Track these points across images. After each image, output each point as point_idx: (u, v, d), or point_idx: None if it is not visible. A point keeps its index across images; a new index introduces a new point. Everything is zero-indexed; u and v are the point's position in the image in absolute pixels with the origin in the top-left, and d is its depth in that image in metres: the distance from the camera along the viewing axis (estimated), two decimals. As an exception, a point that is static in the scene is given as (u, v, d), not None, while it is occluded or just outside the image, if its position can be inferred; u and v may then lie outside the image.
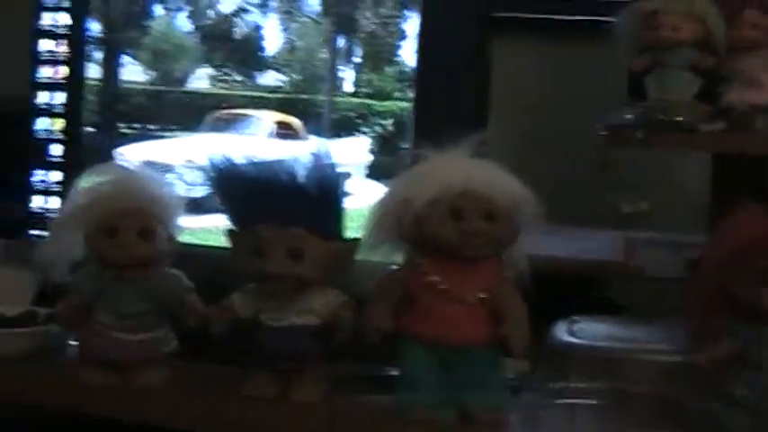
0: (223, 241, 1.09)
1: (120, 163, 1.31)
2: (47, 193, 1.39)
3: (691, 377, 1.02)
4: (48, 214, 1.36)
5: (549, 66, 1.62)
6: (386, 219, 1.04)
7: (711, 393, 1.00)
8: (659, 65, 1.26)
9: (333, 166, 1.07)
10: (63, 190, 1.32)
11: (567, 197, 1.47)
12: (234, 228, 1.09)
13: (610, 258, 1.33)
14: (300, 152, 1.07)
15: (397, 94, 1.22)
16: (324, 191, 1.06)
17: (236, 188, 1.08)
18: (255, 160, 1.09)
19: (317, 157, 1.06)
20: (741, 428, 0.96)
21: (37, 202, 1.39)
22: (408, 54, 1.21)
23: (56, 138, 1.38)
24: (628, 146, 1.28)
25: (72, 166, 1.30)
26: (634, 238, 1.32)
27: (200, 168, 1.12)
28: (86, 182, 1.15)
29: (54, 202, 1.38)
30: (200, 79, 1.33)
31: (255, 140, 1.27)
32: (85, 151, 1.36)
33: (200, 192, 1.19)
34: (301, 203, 1.06)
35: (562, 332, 1.05)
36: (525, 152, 1.57)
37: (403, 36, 1.22)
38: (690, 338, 1.06)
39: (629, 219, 1.32)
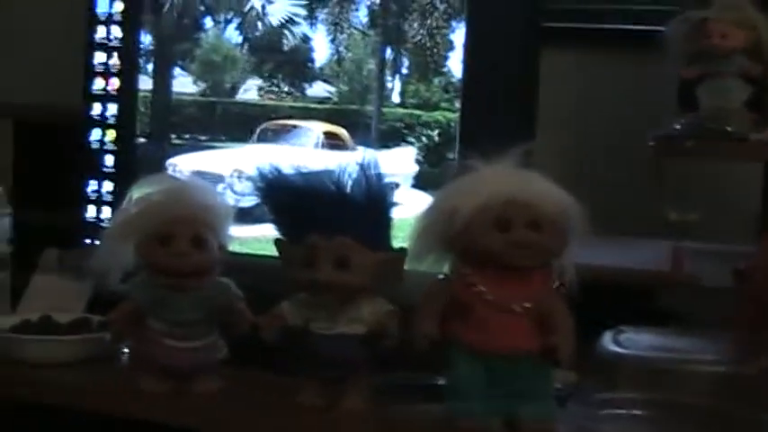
0: (272, 251, 1.11)
1: (171, 173, 1.33)
2: (100, 202, 1.41)
3: (738, 388, 1.01)
4: (101, 224, 1.38)
5: (598, 76, 1.61)
6: (431, 229, 1.05)
7: (760, 404, 0.99)
8: (710, 73, 1.26)
9: (380, 176, 1.08)
10: (115, 200, 1.34)
11: (617, 207, 1.46)
12: (282, 237, 1.10)
13: (659, 268, 1.32)
14: (348, 162, 1.07)
15: (443, 105, 1.22)
16: (371, 201, 1.07)
17: (284, 198, 1.10)
18: (303, 171, 1.10)
19: (364, 167, 1.07)
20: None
21: (90, 211, 1.42)
22: (455, 65, 1.22)
23: (108, 149, 1.41)
24: (678, 156, 1.28)
25: (124, 177, 1.31)
26: (682, 248, 1.31)
27: (250, 179, 1.13)
28: (138, 192, 1.17)
29: (107, 212, 1.40)
30: (250, 90, 1.35)
31: (304, 151, 1.29)
32: (137, 162, 1.39)
33: (250, 202, 1.20)
34: (349, 213, 1.07)
35: (608, 342, 1.05)
36: (573, 162, 1.57)
37: (450, 47, 1.22)
38: (738, 349, 1.06)
39: (677, 228, 1.32)
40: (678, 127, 1.27)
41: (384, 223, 1.09)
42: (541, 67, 1.23)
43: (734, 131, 1.23)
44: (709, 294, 1.31)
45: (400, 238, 1.09)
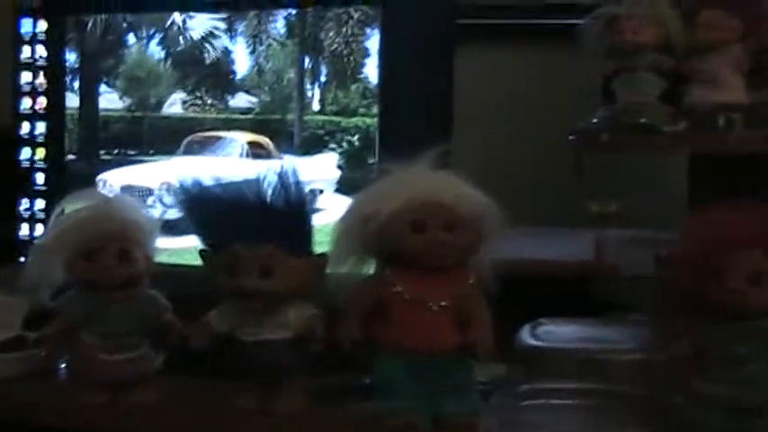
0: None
1: (97, 189, 1.35)
2: (33, 220, 1.42)
3: (655, 374, 1.04)
4: (34, 241, 1.40)
5: (516, 72, 1.64)
6: (350, 233, 1.07)
7: (676, 390, 1.02)
8: (624, 68, 1.29)
9: (299, 183, 1.10)
10: (48, 217, 1.35)
11: (543, 200, 1.49)
12: (207, 248, 1.12)
13: (583, 258, 1.35)
14: (269, 171, 1.10)
15: (362, 110, 1.25)
16: (291, 208, 1.09)
17: (205, 210, 1.11)
18: (223, 181, 1.12)
19: (282, 175, 1.09)
20: (710, 424, 0.99)
21: (24, 229, 1.43)
22: (372, 70, 1.24)
23: (39, 167, 1.42)
24: (595, 149, 1.31)
25: (56, 194, 1.32)
26: (606, 238, 1.34)
27: (173, 191, 1.15)
28: (66, 208, 1.19)
29: (40, 230, 1.41)
30: (175, 104, 1.37)
31: (229, 161, 1.31)
32: (68, 179, 1.40)
33: (176, 214, 1.22)
34: (270, 222, 1.09)
35: (527, 335, 1.08)
36: (495, 158, 1.59)
37: (366, 53, 1.25)
38: (654, 336, 1.09)
39: (598, 219, 1.35)
40: (595, 121, 1.30)
41: (305, 229, 1.11)
42: (459, 64, 1.25)
43: (648, 124, 1.26)
44: (637, 283, 1.35)
45: (326, 242, 1.11)
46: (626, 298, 1.36)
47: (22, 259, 1.35)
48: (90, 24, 1.38)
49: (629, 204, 1.38)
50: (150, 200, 1.34)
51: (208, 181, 1.12)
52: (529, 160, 1.61)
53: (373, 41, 1.24)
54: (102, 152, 1.39)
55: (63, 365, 1.25)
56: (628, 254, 1.38)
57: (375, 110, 1.24)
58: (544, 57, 1.61)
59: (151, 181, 1.35)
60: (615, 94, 1.31)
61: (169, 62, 1.37)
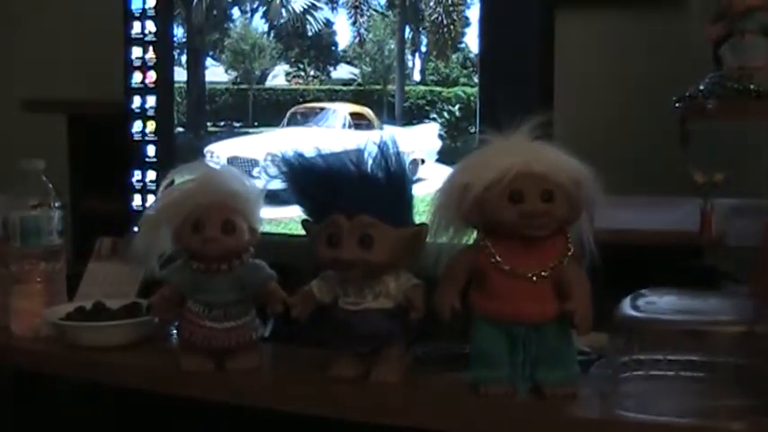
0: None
1: (204, 161, 1.38)
2: (144, 191, 1.47)
3: (758, 347, 1.02)
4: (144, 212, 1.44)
5: (618, 38, 1.61)
6: (447, 204, 1.08)
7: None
8: (733, 32, 1.26)
9: (399, 154, 1.11)
10: (158, 188, 1.39)
11: (645, 169, 1.47)
12: (308, 218, 1.15)
13: (688, 228, 1.32)
14: (368, 142, 1.11)
15: (463, 80, 1.25)
16: (391, 179, 1.11)
17: (307, 181, 1.13)
18: (325, 153, 1.14)
19: (383, 146, 1.10)
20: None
21: (136, 200, 1.48)
22: (472, 40, 1.24)
23: (149, 139, 1.46)
24: (700, 116, 1.28)
25: (166, 166, 1.36)
26: (711, 207, 1.31)
27: (276, 163, 1.17)
28: (174, 179, 1.23)
29: (152, 200, 1.45)
30: (278, 76, 1.39)
31: (332, 132, 1.33)
32: (177, 151, 1.44)
33: (280, 184, 1.24)
34: (370, 192, 1.10)
35: (627, 306, 1.07)
36: (596, 127, 1.57)
37: (466, 23, 1.25)
38: (755, 308, 1.06)
39: (704, 189, 1.32)
40: (701, 87, 1.27)
41: (404, 200, 1.13)
42: (559, 32, 1.24)
43: (757, 90, 1.23)
44: (743, 253, 1.32)
45: (426, 212, 1.12)
46: (731, 269, 1.33)
47: (135, 229, 1.38)
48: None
49: (736, 173, 1.35)
50: (255, 171, 1.36)
51: (310, 152, 1.14)
52: (631, 128, 1.59)
53: (473, 10, 1.23)
54: (208, 124, 1.42)
55: (173, 332, 1.29)
56: (733, 224, 1.35)
57: (475, 79, 1.23)
58: (647, 22, 1.57)
59: (256, 152, 1.38)
60: (722, 60, 1.28)
61: (272, 35, 1.39)
